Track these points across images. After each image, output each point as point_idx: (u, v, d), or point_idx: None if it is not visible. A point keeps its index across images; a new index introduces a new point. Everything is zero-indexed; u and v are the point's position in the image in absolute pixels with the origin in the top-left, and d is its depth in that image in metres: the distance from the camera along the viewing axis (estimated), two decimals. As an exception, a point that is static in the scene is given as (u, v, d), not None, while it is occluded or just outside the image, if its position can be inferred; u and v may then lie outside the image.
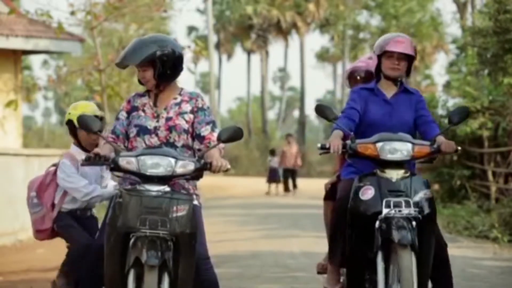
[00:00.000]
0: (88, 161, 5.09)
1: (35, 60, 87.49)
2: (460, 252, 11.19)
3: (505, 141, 17.40)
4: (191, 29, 65.20)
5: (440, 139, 5.60)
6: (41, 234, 6.16)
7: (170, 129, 5.36)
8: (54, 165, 6.18)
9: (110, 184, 6.24)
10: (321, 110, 5.63)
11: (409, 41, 5.87)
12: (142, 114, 5.44)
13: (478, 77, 18.58)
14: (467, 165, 18.06)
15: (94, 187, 6.05)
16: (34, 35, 17.18)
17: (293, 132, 43.95)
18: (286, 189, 27.76)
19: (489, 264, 10.69)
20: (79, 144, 6.15)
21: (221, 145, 5.30)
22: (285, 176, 27.81)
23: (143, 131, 5.39)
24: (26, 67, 44.35)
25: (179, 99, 5.45)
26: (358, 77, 6.64)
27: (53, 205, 6.07)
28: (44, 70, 68.77)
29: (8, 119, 17.37)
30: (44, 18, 16.92)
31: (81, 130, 5.96)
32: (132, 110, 5.50)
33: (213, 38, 52.69)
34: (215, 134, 5.34)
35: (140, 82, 5.49)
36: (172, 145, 5.30)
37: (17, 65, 17.85)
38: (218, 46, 58.69)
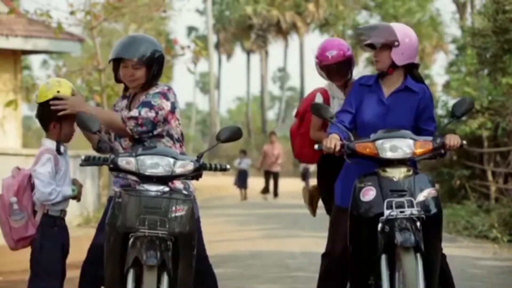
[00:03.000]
0: (87, 161, 5.08)
1: (34, 60, 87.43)
2: (460, 252, 11.19)
3: (504, 141, 17.41)
4: (191, 29, 65.27)
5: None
6: (22, 242, 5.56)
7: None
8: (18, 168, 5.57)
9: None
10: (317, 109, 5.38)
11: (384, 28, 5.46)
12: None
13: (478, 77, 18.59)
14: (466, 165, 18.07)
15: (58, 192, 5.46)
16: (34, 35, 17.19)
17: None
18: (265, 191, 25.46)
19: (488, 264, 10.69)
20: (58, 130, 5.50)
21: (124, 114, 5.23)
22: (266, 178, 25.54)
23: (118, 134, 5.43)
24: (25, 67, 44.33)
25: (144, 97, 5.41)
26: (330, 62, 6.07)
27: (33, 210, 5.53)
28: (44, 70, 68.78)
29: (8, 119, 17.38)
30: (43, 18, 16.91)
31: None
32: None
33: (212, 38, 52.76)
34: (137, 111, 5.23)
35: (118, 80, 5.45)
36: (156, 147, 5.22)
37: (16, 65, 17.86)
38: (218, 46, 58.73)
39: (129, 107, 5.47)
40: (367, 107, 5.50)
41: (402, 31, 5.43)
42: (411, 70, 5.56)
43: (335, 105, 6.07)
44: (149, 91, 5.38)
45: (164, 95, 5.35)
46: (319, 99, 6.10)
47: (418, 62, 5.64)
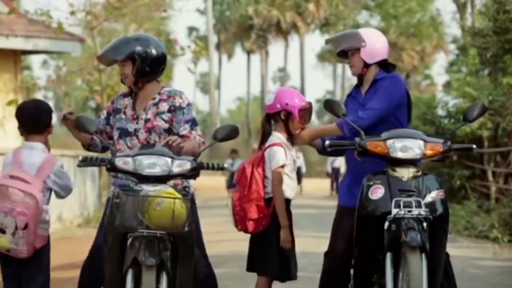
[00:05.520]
0: (84, 162, 5.07)
1: (35, 60, 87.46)
2: (460, 252, 11.18)
3: (505, 141, 17.41)
4: (191, 29, 65.26)
5: None
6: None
7: (149, 131, 5.42)
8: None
9: None
10: (330, 105, 5.45)
11: (351, 34, 5.73)
12: (123, 116, 5.54)
13: (478, 77, 18.59)
14: (467, 165, 18.07)
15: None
16: (34, 35, 17.18)
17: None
18: None
19: (488, 264, 10.69)
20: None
21: (198, 138, 5.34)
22: None
23: (124, 133, 5.48)
24: (26, 67, 44.39)
25: (157, 98, 5.49)
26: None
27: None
28: (44, 70, 68.83)
29: (8, 119, 17.36)
30: (44, 18, 16.93)
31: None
32: (114, 112, 5.60)
33: (213, 38, 52.76)
34: (194, 133, 5.37)
35: (122, 81, 5.56)
36: (153, 147, 5.22)
37: (17, 65, 17.85)
38: (218, 46, 58.74)
39: (133, 107, 5.52)
40: (349, 111, 5.59)
41: (367, 33, 5.76)
42: (385, 66, 5.77)
43: (289, 157, 5.95)
44: (175, 103, 5.43)
45: (191, 105, 5.50)
46: (281, 152, 5.91)
47: (386, 57, 5.78)
